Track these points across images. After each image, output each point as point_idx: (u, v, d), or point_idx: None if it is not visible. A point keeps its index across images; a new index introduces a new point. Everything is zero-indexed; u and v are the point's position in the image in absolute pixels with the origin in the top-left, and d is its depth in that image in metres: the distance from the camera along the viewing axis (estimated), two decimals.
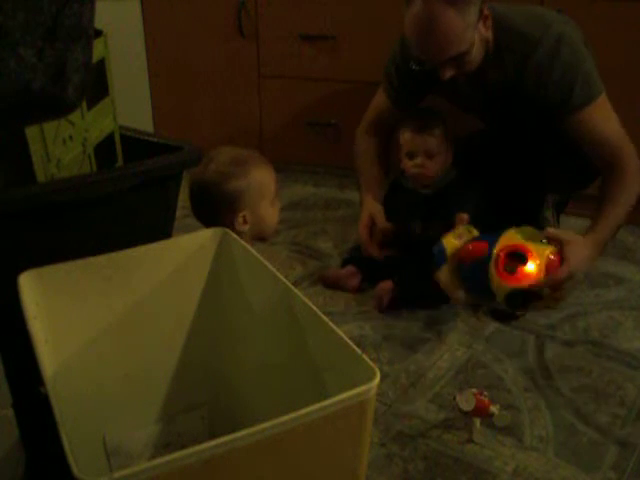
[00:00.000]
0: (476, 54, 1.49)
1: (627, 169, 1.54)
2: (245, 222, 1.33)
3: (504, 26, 1.51)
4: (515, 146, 1.64)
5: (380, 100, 1.82)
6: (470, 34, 1.44)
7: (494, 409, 1.25)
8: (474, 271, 1.47)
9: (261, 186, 1.35)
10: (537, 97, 1.54)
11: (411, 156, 1.70)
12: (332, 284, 1.75)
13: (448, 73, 1.49)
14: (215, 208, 1.32)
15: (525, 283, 1.42)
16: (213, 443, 0.66)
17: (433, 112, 1.73)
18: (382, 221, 1.72)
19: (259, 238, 1.39)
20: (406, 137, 1.69)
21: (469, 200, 1.71)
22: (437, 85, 1.59)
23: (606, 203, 1.55)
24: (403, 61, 1.66)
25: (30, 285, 0.94)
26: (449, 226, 1.61)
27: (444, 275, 1.52)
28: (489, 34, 1.50)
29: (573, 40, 1.52)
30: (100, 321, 1.03)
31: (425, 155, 1.68)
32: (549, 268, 1.42)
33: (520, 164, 1.64)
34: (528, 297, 1.44)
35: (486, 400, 1.24)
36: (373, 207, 1.76)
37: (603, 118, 1.55)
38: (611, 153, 1.55)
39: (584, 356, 1.48)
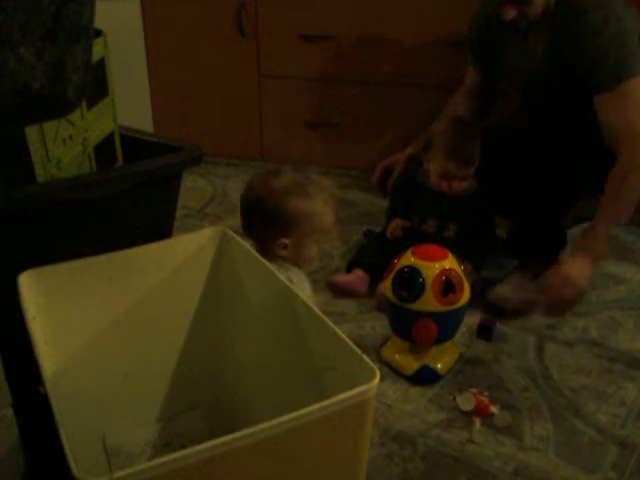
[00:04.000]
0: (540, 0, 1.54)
1: (630, 163, 1.50)
2: (285, 248, 1.28)
3: None
4: (546, 144, 1.64)
5: (468, 74, 1.88)
6: None
7: (494, 409, 1.25)
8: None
9: (318, 221, 1.30)
10: (576, 62, 1.55)
11: (447, 178, 1.72)
12: (341, 291, 1.73)
13: (511, 13, 1.54)
14: (265, 221, 1.28)
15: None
16: (213, 443, 0.66)
17: (471, 129, 1.74)
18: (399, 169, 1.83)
19: (292, 264, 1.33)
20: (451, 168, 1.69)
21: (486, 208, 1.74)
22: (497, 49, 1.69)
23: (605, 203, 1.52)
24: (482, 16, 1.74)
25: (30, 285, 0.94)
26: (463, 230, 1.62)
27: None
28: None
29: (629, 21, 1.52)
30: (100, 321, 1.03)
31: (461, 180, 1.72)
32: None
33: (548, 167, 1.62)
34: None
35: (486, 400, 1.25)
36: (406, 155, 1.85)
37: (631, 103, 1.52)
38: (618, 141, 1.52)
39: (584, 356, 1.48)
